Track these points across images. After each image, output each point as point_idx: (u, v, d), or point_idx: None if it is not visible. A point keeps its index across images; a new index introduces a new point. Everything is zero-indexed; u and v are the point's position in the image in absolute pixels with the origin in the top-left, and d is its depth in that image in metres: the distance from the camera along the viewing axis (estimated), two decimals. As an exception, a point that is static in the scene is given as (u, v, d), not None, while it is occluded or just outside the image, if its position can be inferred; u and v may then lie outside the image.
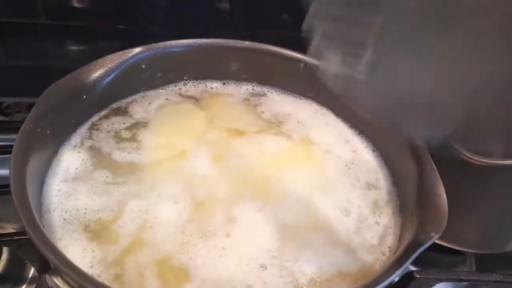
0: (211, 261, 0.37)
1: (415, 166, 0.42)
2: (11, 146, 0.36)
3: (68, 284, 0.32)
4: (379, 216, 0.43)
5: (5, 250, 0.63)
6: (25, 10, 0.72)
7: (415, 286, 0.58)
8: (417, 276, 0.58)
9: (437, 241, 0.65)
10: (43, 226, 0.37)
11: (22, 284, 0.60)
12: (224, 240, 0.38)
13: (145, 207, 0.40)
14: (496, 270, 0.64)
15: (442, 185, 0.39)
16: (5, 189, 0.46)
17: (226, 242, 0.38)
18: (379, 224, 0.43)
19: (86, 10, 0.71)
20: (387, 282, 0.31)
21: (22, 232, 0.56)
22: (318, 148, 0.49)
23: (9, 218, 0.59)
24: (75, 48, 0.78)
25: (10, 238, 0.57)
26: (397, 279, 0.59)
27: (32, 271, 0.60)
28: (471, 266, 0.69)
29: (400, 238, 0.40)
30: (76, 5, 0.71)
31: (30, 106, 0.79)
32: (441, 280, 0.59)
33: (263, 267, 0.37)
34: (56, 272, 0.33)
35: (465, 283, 0.68)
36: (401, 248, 0.35)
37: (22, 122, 0.39)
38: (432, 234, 0.34)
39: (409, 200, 0.41)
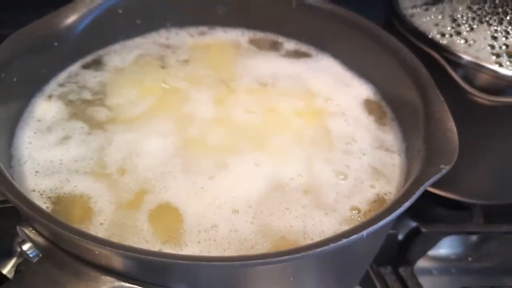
0: (183, 194, 0.35)
1: (420, 100, 0.38)
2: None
3: (40, 234, 0.29)
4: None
5: (-8, 224, 0.61)
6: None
7: (422, 240, 0.56)
8: (424, 230, 0.56)
9: (442, 194, 0.63)
10: (13, 178, 0.33)
11: (12, 257, 0.58)
12: (206, 181, 0.36)
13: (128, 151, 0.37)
14: (504, 224, 0.62)
15: (451, 118, 0.36)
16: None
17: (206, 183, 0.36)
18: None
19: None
20: (393, 216, 0.27)
21: (3, 201, 0.53)
22: (320, 97, 0.45)
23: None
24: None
25: (-7, 207, 0.54)
26: (401, 237, 0.57)
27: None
28: (479, 220, 0.66)
29: (406, 177, 0.37)
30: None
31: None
32: (449, 234, 0.57)
33: (235, 211, 0.34)
34: (27, 222, 0.29)
35: (473, 238, 0.65)
36: (409, 181, 0.31)
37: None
38: (442, 166, 0.31)
39: (415, 138, 0.38)
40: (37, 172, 0.35)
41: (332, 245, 0.25)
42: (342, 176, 0.38)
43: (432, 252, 0.61)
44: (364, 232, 0.25)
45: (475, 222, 0.64)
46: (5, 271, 0.55)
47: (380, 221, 0.26)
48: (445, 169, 0.31)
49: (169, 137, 0.39)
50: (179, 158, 0.37)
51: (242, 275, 0.30)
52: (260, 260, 0.25)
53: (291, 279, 0.30)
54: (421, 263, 0.60)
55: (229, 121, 0.41)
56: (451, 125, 0.36)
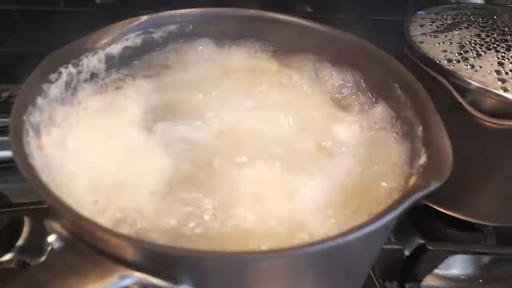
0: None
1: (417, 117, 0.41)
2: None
3: (66, 229, 0.33)
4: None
5: (26, 222, 0.66)
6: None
7: (428, 258, 0.57)
8: (430, 248, 0.57)
9: (453, 214, 0.64)
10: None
11: (42, 255, 0.63)
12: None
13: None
14: (514, 247, 0.61)
15: (446, 134, 0.38)
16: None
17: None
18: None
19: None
20: (364, 232, 0.29)
21: (39, 202, 0.58)
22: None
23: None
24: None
25: (27, 208, 0.60)
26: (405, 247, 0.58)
27: (51, 244, 0.62)
28: (491, 242, 0.67)
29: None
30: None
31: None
32: (455, 253, 0.57)
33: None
34: (54, 216, 0.33)
35: (485, 260, 0.65)
36: (392, 199, 0.33)
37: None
38: (432, 182, 0.33)
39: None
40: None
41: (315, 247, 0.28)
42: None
43: (443, 271, 0.62)
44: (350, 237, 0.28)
45: (487, 244, 0.64)
46: (35, 267, 0.60)
47: (362, 228, 0.29)
48: (434, 185, 0.33)
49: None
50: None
51: (245, 271, 0.32)
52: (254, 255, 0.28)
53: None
54: (431, 281, 0.61)
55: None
56: (446, 144, 0.38)
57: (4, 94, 0.87)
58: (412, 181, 0.36)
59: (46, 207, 0.32)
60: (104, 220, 0.35)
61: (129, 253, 0.30)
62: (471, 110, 0.52)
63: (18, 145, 0.33)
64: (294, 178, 0.40)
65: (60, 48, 0.46)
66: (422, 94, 0.43)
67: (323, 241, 0.28)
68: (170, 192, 0.37)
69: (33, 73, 0.41)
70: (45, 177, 0.33)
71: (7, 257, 0.63)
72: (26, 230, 0.67)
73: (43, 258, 0.61)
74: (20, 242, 0.65)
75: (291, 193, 0.38)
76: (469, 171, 0.56)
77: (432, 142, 0.38)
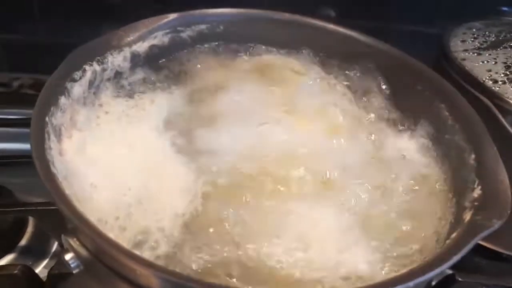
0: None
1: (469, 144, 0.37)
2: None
3: (83, 245, 0.30)
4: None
5: (30, 222, 0.63)
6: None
7: (457, 289, 0.53)
8: (459, 279, 0.53)
9: (483, 243, 0.60)
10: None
11: (45, 258, 0.60)
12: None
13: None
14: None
15: (504, 169, 0.35)
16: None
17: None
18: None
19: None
20: (426, 277, 0.26)
21: (47, 203, 0.55)
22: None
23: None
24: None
25: (34, 208, 0.56)
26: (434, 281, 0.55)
27: (55, 246, 0.59)
28: (520, 274, 0.63)
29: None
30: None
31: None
32: (487, 286, 0.54)
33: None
34: (72, 232, 0.30)
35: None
36: (457, 232, 0.30)
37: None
38: (495, 220, 0.30)
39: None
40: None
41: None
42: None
43: (472, 304, 0.58)
44: (411, 283, 0.24)
45: (518, 276, 0.61)
46: (37, 270, 0.57)
47: (426, 273, 0.25)
48: (497, 224, 0.30)
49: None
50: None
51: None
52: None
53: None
54: (459, 313, 0.57)
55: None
56: (504, 176, 0.35)
57: (16, 83, 0.83)
58: (467, 216, 0.33)
59: (54, 209, 0.29)
60: (124, 240, 0.31)
61: (153, 283, 0.27)
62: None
63: (40, 152, 0.30)
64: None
65: (83, 43, 0.43)
66: (474, 118, 0.39)
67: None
68: (198, 215, 0.33)
69: (57, 70, 0.38)
70: (66, 188, 0.30)
71: (9, 258, 0.59)
72: (29, 230, 0.63)
73: (45, 261, 0.58)
74: (23, 242, 0.62)
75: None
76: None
77: (488, 174, 0.35)
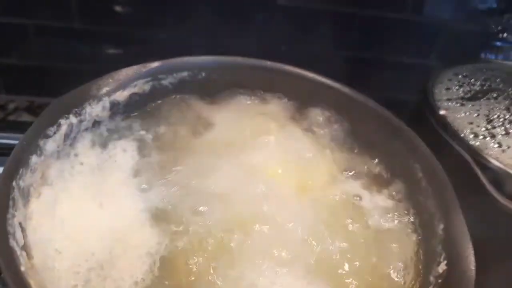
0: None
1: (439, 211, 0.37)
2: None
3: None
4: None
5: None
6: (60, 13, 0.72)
7: None
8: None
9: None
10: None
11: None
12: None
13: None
14: None
15: (467, 232, 0.35)
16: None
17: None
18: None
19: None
20: None
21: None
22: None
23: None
24: (110, 51, 0.79)
25: None
26: None
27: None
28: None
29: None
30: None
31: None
32: None
33: None
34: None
35: None
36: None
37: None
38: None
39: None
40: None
41: None
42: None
43: None
44: None
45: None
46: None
47: None
48: None
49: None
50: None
51: None
52: None
53: None
54: None
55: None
56: (470, 253, 0.35)
57: (11, 106, 0.85)
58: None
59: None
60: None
61: None
62: (494, 193, 0.48)
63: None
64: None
65: (64, 94, 0.43)
66: (447, 187, 0.39)
67: None
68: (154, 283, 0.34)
69: (30, 129, 0.38)
70: (29, 257, 0.30)
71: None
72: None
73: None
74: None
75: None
76: (484, 255, 0.52)
77: (454, 248, 0.35)
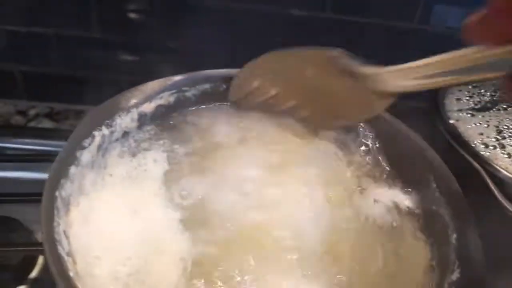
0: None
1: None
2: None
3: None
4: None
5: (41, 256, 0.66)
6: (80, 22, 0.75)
7: None
8: None
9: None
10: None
11: (56, 290, 0.63)
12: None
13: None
14: None
15: (480, 243, 0.37)
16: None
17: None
18: None
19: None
20: None
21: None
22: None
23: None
24: (128, 59, 0.81)
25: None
26: None
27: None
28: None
29: None
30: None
31: (77, 112, 0.84)
32: None
33: None
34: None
35: None
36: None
37: (69, 130, 0.42)
38: None
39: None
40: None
41: None
42: None
43: None
44: None
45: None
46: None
47: None
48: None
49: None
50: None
51: None
52: None
53: None
54: None
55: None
56: (482, 258, 0.37)
57: (32, 112, 0.87)
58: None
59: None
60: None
61: None
62: (505, 203, 0.50)
63: (49, 233, 0.33)
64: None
65: (94, 107, 0.46)
66: (460, 198, 0.41)
67: None
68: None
69: (68, 141, 0.41)
70: (71, 265, 0.33)
71: (20, 291, 0.63)
72: (40, 262, 0.66)
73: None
74: (33, 274, 0.65)
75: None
76: (496, 263, 0.54)
77: (468, 257, 0.37)
